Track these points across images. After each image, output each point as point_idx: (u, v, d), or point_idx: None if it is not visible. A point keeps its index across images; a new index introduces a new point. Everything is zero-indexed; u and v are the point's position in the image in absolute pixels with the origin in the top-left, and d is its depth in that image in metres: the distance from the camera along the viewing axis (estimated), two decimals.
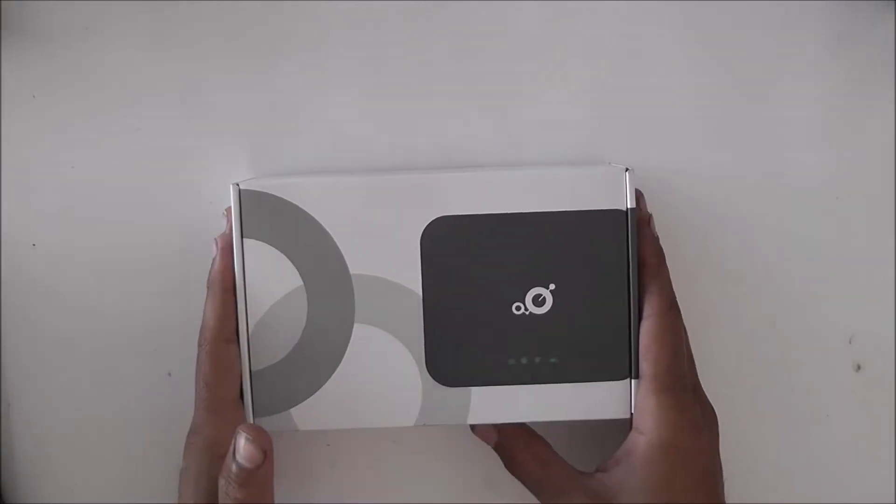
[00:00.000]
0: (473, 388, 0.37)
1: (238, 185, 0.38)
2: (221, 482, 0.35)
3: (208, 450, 0.36)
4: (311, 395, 0.37)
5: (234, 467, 0.34)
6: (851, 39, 0.48)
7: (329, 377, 0.37)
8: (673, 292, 0.38)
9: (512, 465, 0.40)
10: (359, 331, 0.37)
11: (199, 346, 0.38)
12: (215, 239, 0.39)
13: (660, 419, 0.36)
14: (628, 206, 0.38)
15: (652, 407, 0.36)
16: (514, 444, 0.40)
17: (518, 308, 0.37)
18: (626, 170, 0.38)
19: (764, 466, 0.46)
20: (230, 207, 0.38)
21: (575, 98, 0.47)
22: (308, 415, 0.38)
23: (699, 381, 0.40)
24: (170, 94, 0.48)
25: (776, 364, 0.45)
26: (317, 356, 0.38)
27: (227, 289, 0.38)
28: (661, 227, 0.42)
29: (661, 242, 0.41)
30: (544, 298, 0.37)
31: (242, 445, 0.34)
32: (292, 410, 0.38)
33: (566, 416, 0.38)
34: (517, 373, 0.38)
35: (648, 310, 0.37)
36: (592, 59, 0.48)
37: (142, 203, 0.46)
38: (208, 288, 0.39)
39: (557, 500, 0.38)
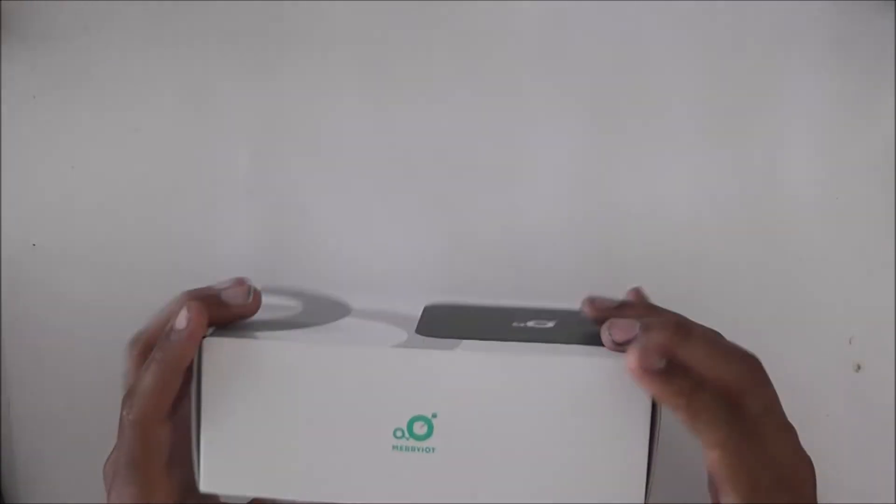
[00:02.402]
0: (463, 340, 0.33)
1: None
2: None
3: None
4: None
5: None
6: (851, 39, 0.48)
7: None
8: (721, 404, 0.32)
9: None
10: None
11: (127, 412, 0.34)
12: (190, 303, 0.34)
13: None
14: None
15: None
16: None
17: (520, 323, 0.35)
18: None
19: None
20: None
21: (574, 98, 0.47)
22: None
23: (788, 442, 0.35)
24: (170, 95, 0.48)
25: (776, 364, 0.45)
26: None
27: (179, 370, 0.34)
28: (660, 226, 0.42)
29: (661, 241, 0.41)
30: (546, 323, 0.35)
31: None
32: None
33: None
34: (514, 332, 0.34)
35: (706, 447, 0.32)
36: (592, 59, 0.48)
37: (142, 203, 0.46)
38: (156, 355, 0.34)
39: None
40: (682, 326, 0.32)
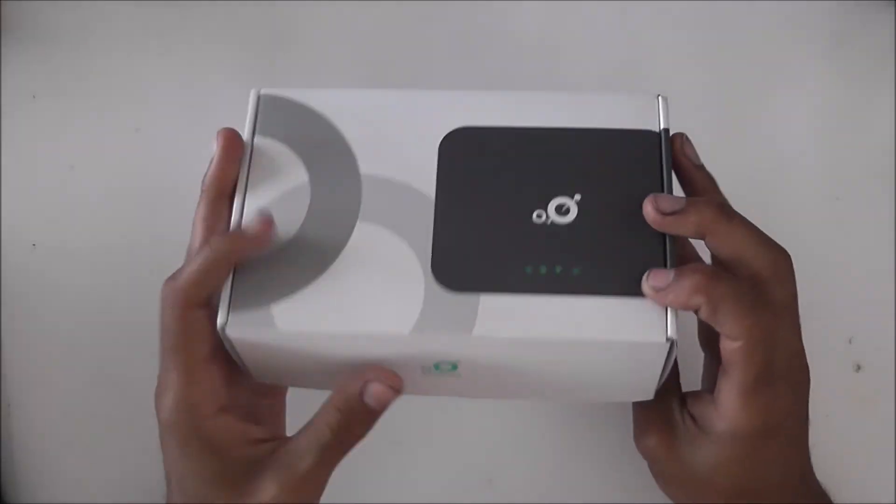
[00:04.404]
0: (482, 295, 0.33)
1: (259, 90, 0.37)
2: (333, 414, 0.33)
3: (190, 412, 0.34)
4: (297, 291, 0.33)
5: (358, 407, 0.33)
6: (851, 39, 0.48)
7: (321, 274, 0.33)
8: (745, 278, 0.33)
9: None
10: (361, 229, 0.34)
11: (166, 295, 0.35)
12: (218, 133, 0.36)
13: (741, 415, 0.33)
14: (661, 128, 0.35)
15: (735, 403, 0.33)
16: None
17: (539, 216, 0.34)
18: (659, 96, 0.35)
19: None
20: (223, 131, 0.36)
21: None
22: (291, 314, 0.33)
23: (799, 342, 0.35)
24: (170, 94, 0.48)
25: None
26: (311, 252, 0.34)
27: (222, 195, 0.35)
28: None
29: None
30: (568, 208, 0.34)
31: (374, 389, 0.33)
32: (273, 307, 0.33)
33: (587, 335, 0.32)
34: (534, 282, 0.33)
35: (730, 332, 0.32)
36: (591, 58, 0.48)
37: (141, 203, 0.46)
38: (202, 192, 0.36)
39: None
40: (725, 208, 0.34)
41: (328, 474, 0.35)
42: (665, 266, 0.33)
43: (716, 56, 0.48)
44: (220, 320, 0.33)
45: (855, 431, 0.44)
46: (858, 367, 0.45)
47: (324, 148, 0.35)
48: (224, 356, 0.35)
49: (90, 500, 0.44)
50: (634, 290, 0.32)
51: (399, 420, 0.44)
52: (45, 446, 0.44)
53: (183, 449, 0.34)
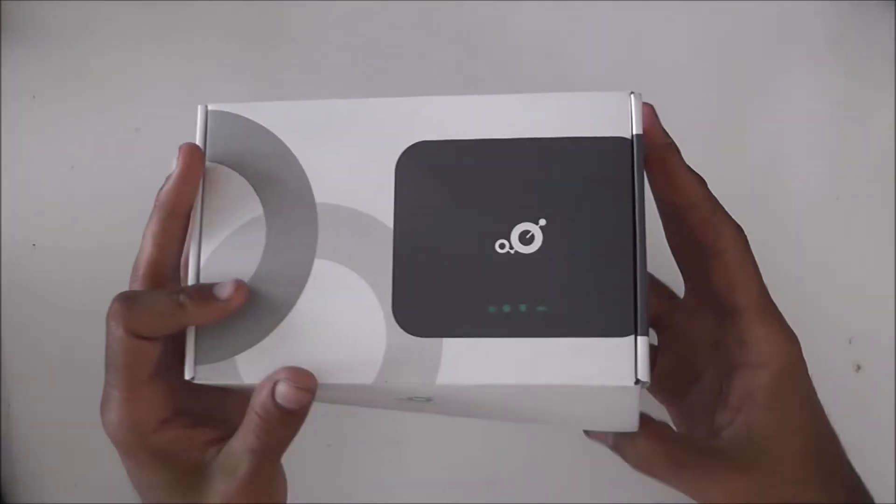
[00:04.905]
0: (445, 340, 0.32)
1: (206, 106, 0.35)
2: (254, 418, 0.32)
3: (133, 430, 0.34)
4: (259, 340, 0.33)
5: (274, 409, 0.32)
6: (851, 39, 0.48)
7: (281, 320, 0.33)
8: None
9: (633, 460, 0.36)
10: (319, 267, 0.33)
11: (132, 282, 0.35)
12: (179, 148, 0.34)
13: (776, 344, 0.34)
14: (634, 133, 0.33)
15: (763, 335, 0.34)
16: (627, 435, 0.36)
17: (502, 246, 0.32)
18: (632, 94, 0.33)
19: None
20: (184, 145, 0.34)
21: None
22: (255, 365, 0.32)
23: None
24: (170, 94, 0.48)
25: None
26: (270, 296, 0.33)
27: (177, 214, 0.34)
28: (659, 227, 0.42)
29: (660, 242, 0.41)
30: (533, 236, 0.32)
31: (283, 390, 0.32)
32: (237, 358, 0.33)
33: (554, 380, 0.31)
34: (498, 323, 0.32)
35: (720, 244, 0.34)
36: (591, 57, 0.48)
37: (142, 203, 0.46)
38: (155, 207, 0.34)
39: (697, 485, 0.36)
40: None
41: (270, 472, 0.34)
42: (634, 303, 0.31)
43: (715, 56, 0.48)
44: (187, 373, 0.33)
45: (855, 431, 0.44)
46: (858, 367, 0.45)
47: (277, 173, 0.34)
48: (170, 370, 0.34)
49: (90, 500, 0.44)
50: (600, 331, 0.31)
51: (399, 420, 0.44)
52: (45, 446, 0.44)
53: (133, 463, 0.34)
